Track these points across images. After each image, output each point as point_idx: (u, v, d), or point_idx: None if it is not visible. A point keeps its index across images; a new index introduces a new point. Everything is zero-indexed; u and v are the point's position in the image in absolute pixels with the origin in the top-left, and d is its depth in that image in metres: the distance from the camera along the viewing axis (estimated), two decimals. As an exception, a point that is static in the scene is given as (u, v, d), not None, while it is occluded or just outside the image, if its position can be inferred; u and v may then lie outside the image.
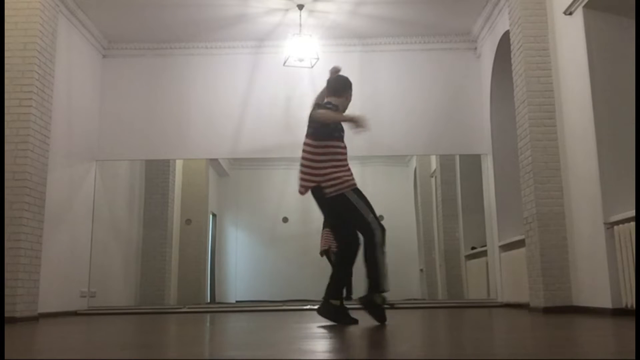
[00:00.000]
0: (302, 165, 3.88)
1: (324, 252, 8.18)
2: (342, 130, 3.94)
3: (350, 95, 4.07)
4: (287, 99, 6.99)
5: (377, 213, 3.80)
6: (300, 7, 6.22)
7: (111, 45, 7.03)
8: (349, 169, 3.86)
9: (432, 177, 8.80)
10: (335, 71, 4.10)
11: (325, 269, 8.87)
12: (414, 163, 9.02)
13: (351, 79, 3.96)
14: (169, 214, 8.23)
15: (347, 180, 3.80)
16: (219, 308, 7.06)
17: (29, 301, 4.92)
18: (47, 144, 5.32)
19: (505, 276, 6.24)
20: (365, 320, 3.87)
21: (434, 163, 8.65)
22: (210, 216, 9.27)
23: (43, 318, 5.12)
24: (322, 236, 7.99)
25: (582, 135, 4.50)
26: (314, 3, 6.21)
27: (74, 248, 6.20)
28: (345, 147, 3.92)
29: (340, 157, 3.85)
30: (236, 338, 2.99)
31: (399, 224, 8.54)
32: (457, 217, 7.93)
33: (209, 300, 8.87)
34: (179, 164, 8.65)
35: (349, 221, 3.83)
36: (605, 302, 4.15)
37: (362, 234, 3.79)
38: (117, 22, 6.55)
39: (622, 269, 3.98)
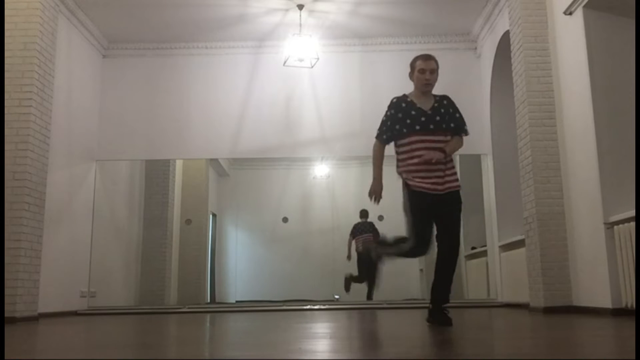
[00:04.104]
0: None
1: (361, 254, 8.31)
2: (419, 116, 3.62)
3: (416, 67, 3.68)
4: (287, 99, 6.99)
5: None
6: (300, 7, 6.22)
7: (111, 45, 7.02)
8: (410, 166, 3.60)
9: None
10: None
11: (325, 268, 8.89)
12: (413, 163, 9.01)
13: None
14: (169, 214, 8.23)
15: (402, 172, 3.65)
16: (219, 308, 7.05)
17: (29, 301, 4.91)
18: (47, 144, 5.32)
19: (505, 276, 6.24)
20: (366, 320, 3.87)
21: (433, 163, 8.64)
22: (210, 216, 9.27)
23: (43, 318, 5.12)
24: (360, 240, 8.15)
25: (582, 135, 4.50)
26: (314, 3, 6.21)
27: (74, 248, 6.20)
28: (426, 139, 3.59)
29: (408, 150, 3.63)
30: (236, 338, 2.99)
31: (399, 224, 8.52)
32: (457, 217, 7.92)
33: (209, 301, 8.86)
34: (179, 164, 8.64)
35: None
36: (605, 302, 4.14)
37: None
38: (117, 22, 6.55)
39: (622, 269, 3.98)
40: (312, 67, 6.38)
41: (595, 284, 4.31)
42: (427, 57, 3.70)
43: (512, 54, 5.35)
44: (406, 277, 8.73)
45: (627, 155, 4.21)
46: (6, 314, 4.61)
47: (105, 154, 6.89)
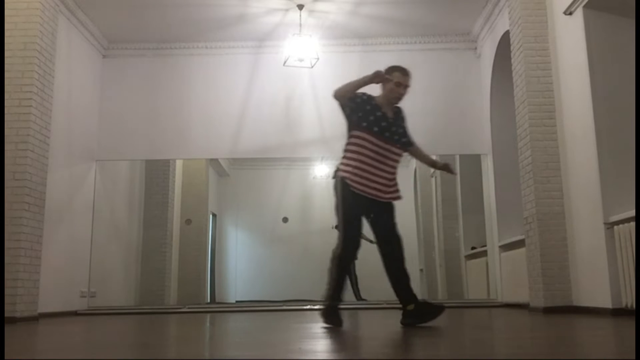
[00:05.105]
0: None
1: None
2: (380, 120, 3.59)
3: (393, 79, 3.62)
4: (287, 99, 6.99)
5: None
6: (300, 7, 6.22)
7: (111, 45, 7.02)
8: (358, 164, 3.53)
9: (432, 177, 8.80)
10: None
11: (325, 268, 8.89)
12: (414, 163, 9.03)
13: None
14: (169, 214, 8.23)
15: (342, 170, 3.56)
16: (219, 308, 7.05)
17: (29, 301, 4.91)
18: (47, 144, 5.32)
19: (505, 276, 6.24)
20: (359, 320, 3.87)
21: (433, 163, 8.63)
22: (210, 216, 9.27)
23: (43, 318, 5.12)
24: None
25: (582, 135, 4.50)
26: (314, 3, 6.21)
27: (74, 248, 6.20)
28: (380, 144, 3.56)
29: (361, 149, 3.56)
30: (236, 338, 2.99)
31: (399, 224, 8.53)
32: (457, 217, 7.93)
33: (209, 300, 8.87)
34: (179, 164, 8.65)
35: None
36: (605, 302, 4.15)
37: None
38: (117, 22, 6.55)
39: (622, 269, 3.98)
40: (312, 67, 6.38)
41: (595, 284, 4.31)
42: (406, 72, 3.70)
43: (512, 54, 5.35)
44: (406, 277, 8.73)
45: (627, 155, 4.21)
46: (6, 314, 4.61)
47: (105, 154, 6.89)
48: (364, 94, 3.67)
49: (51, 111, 5.43)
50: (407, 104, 7.28)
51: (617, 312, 4.01)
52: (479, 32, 6.76)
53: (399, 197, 3.67)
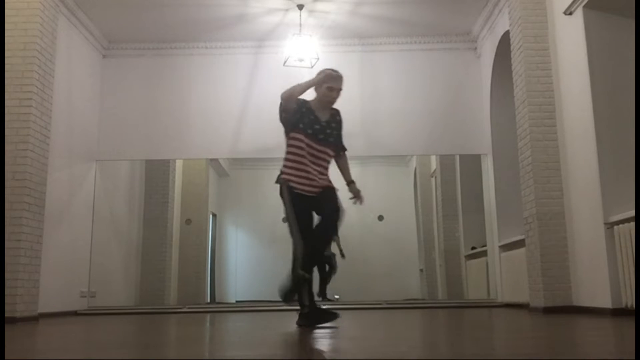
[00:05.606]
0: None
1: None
2: (313, 123, 3.71)
3: (324, 84, 3.72)
4: (287, 99, 6.98)
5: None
6: (300, 7, 6.22)
7: (111, 45, 7.02)
8: (298, 166, 3.66)
9: (432, 177, 8.79)
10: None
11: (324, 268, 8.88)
12: (414, 163, 9.02)
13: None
14: (169, 214, 8.23)
15: (285, 173, 3.67)
16: (219, 308, 7.05)
17: (29, 301, 4.91)
18: (47, 144, 5.32)
19: (505, 276, 6.24)
20: (359, 320, 3.87)
21: (434, 163, 8.64)
22: (210, 216, 9.27)
23: (43, 318, 5.12)
24: None
25: (582, 135, 4.50)
26: (314, 3, 6.21)
27: (74, 248, 6.20)
28: (313, 145, 3.68)
29: (299, 151, 3.68)
30: (236, 338, 2.99)
31: (399, 224, 8.54)
32: (457, 217, 7.93)
33: (209, 300, 8.86)
34: (179, 164, 8.64)
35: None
36: (605, 302, 4.15)
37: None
38: (117, 22, 6.55)
39: (622, 269, 3.98)
40: (312, 67, 6.37)
41: (595, 284, 4.31)
42: (338, 77, 3.77)
43: (512, 54, 5.35)
44: (406, 277, 8.73)
45: (627, 155, 4.21)
46: (6, 314, 4.61)
47: (105, 154, 6.89)
48: (297, 98, 3.78)
49: (51, 111, 5.43)
50: (408, 105, 7.30)
51: (617, 312, 4.01)
52: (479, 32, 6.76)
53: (328, 185, 3.73)
